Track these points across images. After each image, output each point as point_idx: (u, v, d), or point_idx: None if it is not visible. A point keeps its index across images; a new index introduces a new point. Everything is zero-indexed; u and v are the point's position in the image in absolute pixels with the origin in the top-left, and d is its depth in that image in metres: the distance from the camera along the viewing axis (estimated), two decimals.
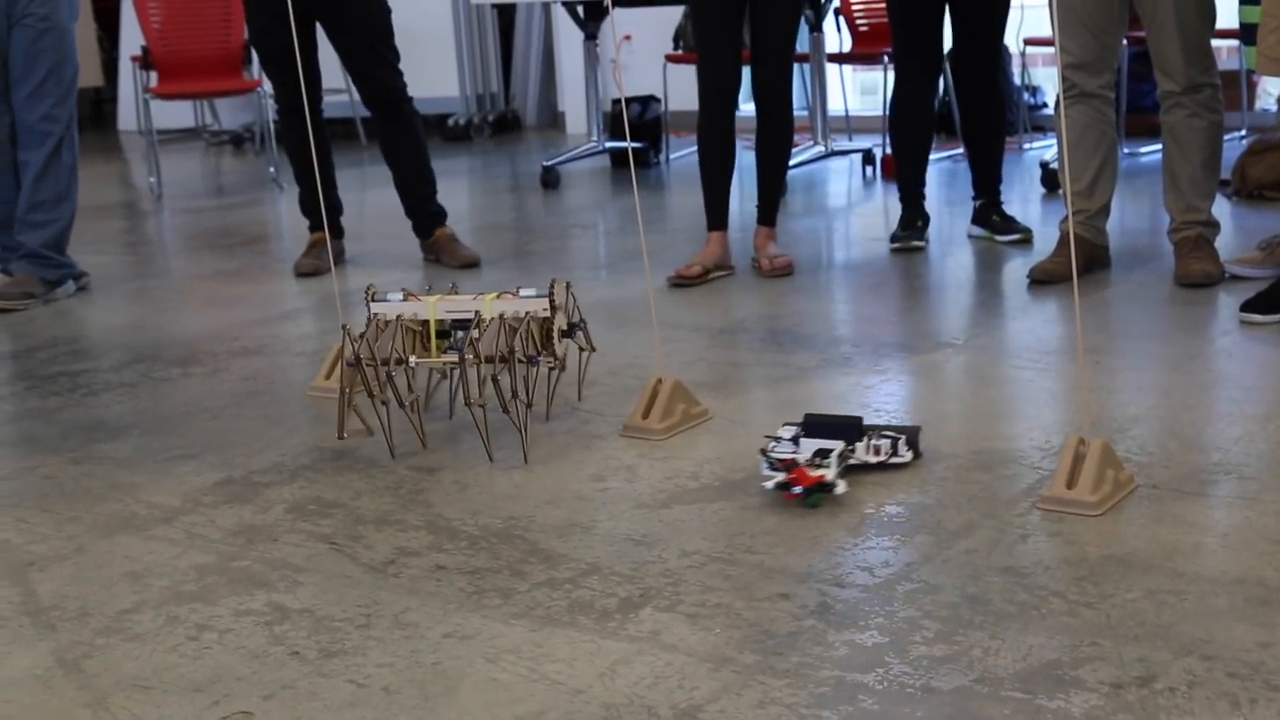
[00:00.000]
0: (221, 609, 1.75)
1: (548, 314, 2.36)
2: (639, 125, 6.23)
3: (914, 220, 4.03)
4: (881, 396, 2.56)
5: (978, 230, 4.05)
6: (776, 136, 3.76)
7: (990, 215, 4.02)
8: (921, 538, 1.86)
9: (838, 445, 2.08)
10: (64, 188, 3.87)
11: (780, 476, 2.01)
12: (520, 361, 2.27)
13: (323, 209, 3.34)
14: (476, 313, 2.33)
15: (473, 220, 4.94)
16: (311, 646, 1.63)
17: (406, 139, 4.07)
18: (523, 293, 2.38)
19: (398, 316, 2.37)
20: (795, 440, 2.13)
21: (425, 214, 4.17)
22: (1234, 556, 1.75)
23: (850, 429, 2.14)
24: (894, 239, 4.01)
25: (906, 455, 2.15)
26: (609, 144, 6.14)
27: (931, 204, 4.35)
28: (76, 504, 2.18)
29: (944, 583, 1.72)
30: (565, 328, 2.40)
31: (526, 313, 2.35)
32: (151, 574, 1.87)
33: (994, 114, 3.90)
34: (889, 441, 2.14)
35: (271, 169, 6.35)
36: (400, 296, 2.42)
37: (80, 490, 2.24)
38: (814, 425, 2.16)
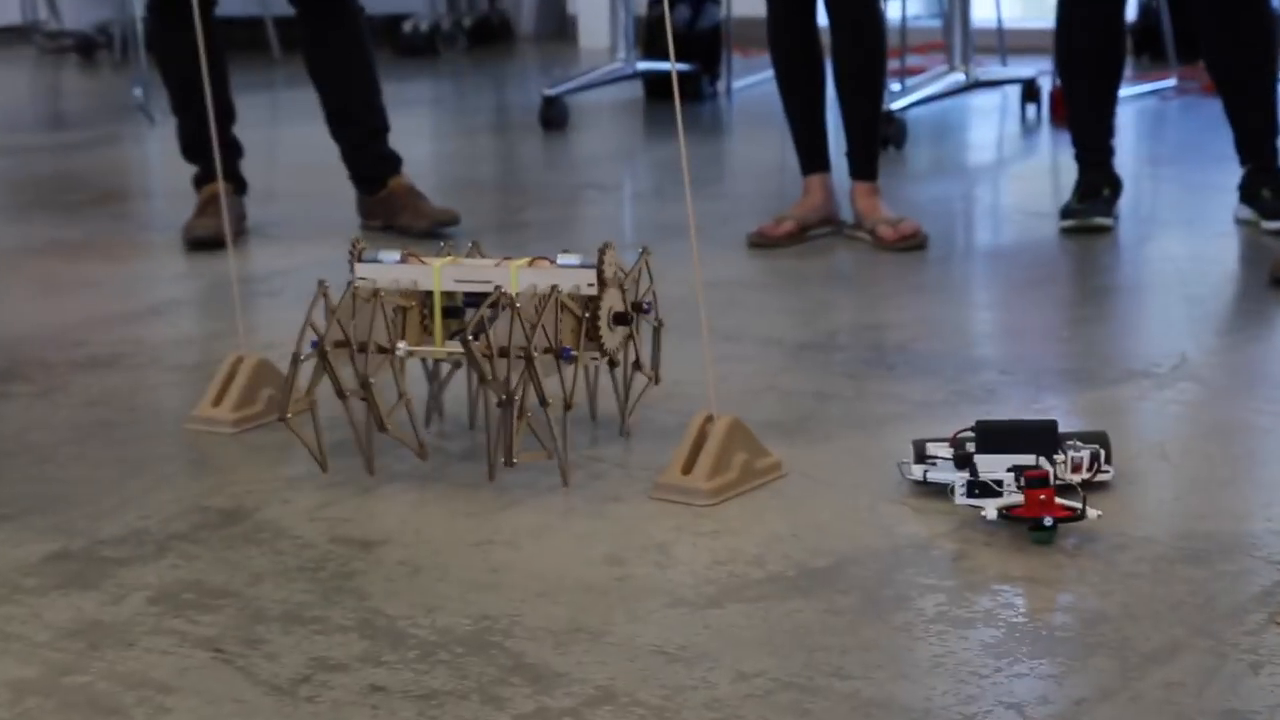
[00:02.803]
0: None
1: (593, 290, 2.48)
2: (688, 38, 6.24)
3: (1098, 188, 4.03)
4: None
5: (1245, 212, 3.98)
6: (859, 53, 3.90)
7: (1259, 189, 3.95)
8: (1100, 662, 1.86)
9: (1035, 460, 2.29)
10: None
11: (1004, 502, 2.21)
12: (541, 356, 2.38)
13: (216, 149, 3.34)
14: (497, 288, 2.44)
15: (438, 175, 4.98)
16: None
17: (347, 49, 4.10)
18: (561, 260, 2.50)
19: (375, 293, 2.48)
20: (963, 460, 2.33)
21: (373, 157, 4.20)
22: None
23: (1045, 436, 2.34)
24: (1067, 214, 4.01)
25: (1109, 471, 2.37)
26: (642, 65, 6.16)
27: (1123, 162, 4.34)
28: None
29: None
30: (623, 310, 2.52)
31: (553, 288, 2.44)
32: None
33: (1257, 36, 3.86)
34: (1088, 454, 2.33)
35: (137, 90, 6.39)
36: (398, 257, 2.55)
37: None
38: (993, 433, 2.34)
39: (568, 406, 2.44)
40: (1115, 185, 4.07)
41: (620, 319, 2.53)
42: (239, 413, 2.77)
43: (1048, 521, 2.17)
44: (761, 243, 3.95)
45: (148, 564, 2.23)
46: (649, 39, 6.35)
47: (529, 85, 6.78)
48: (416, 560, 2.22)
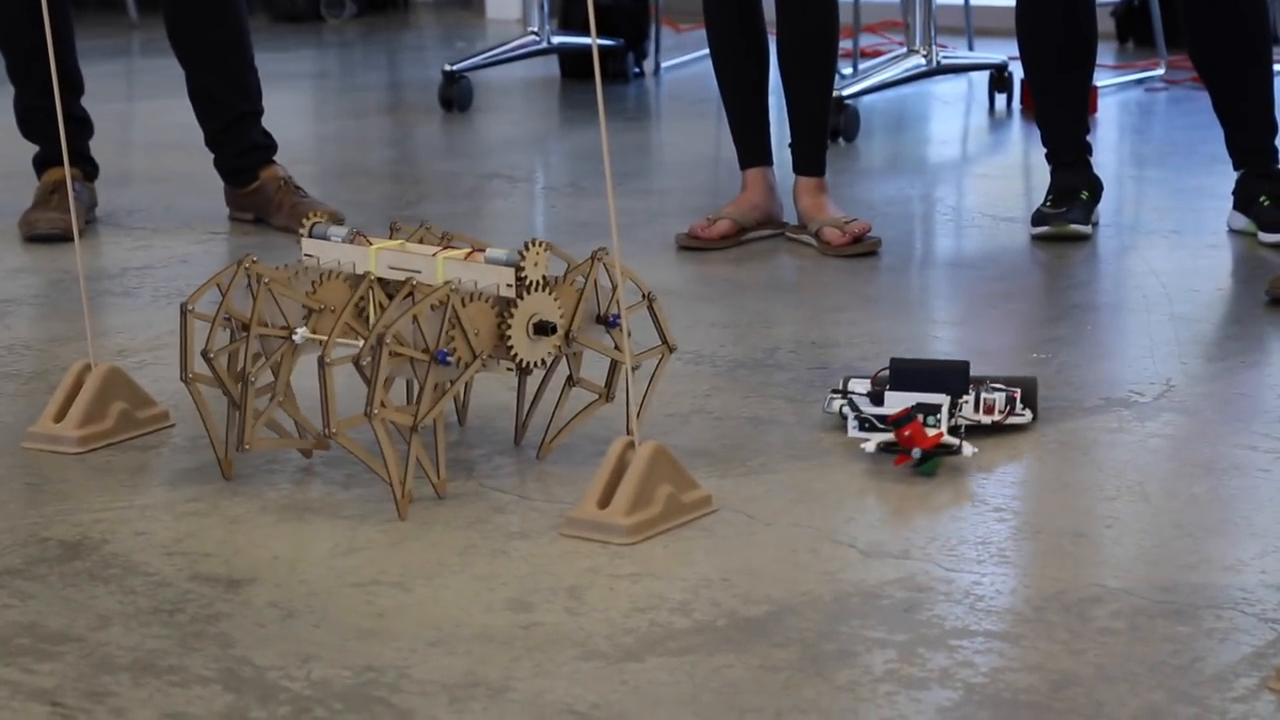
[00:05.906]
0: None
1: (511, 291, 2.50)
2: (612, 9, 6.24)
3: (1074, 190, 4.05)
4: (1003, 486, 2.59)
5: (1240, 221, 3.99)
6: (807, 31, 3.90)
7: (1257, 194, 3.95)
8: None
9: (944, 400, 2.64)
10: None
11: (883, 437, 2.58)
12: (407, 358, 2.41)
13: (61, 127, 3.31)
14: (408, 279, 2.53)
15: (320, 161, 4.95)
16: None
17: (213, 15, 4.08)
18: (489, 254, 2.53)
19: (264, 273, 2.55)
20: (877, 396, 2.68)
21: (243, 144, 4.18)
22: None
23: (955, 377, 2.69)
24: (1039, 220, 4.03)
25: (1025, 415, 2.72)
26: (558, 39, 6.16)
27: (1103, 162, 4.36)
28: None
29: None
30: (541, 321, 2.52)
31: (445, 284, 2.47)
32: None
33: (1249, 12, 3.89)
34: (1003, 395, 2.69)
35: None
36: (344, 235, 2.64)
37: None
38: (905, 373, 2.70)
39: (414, 426, 2.45)
40: (1094, 188, 4.08)
41: (543, 329, 2.52)
42: (85, 430, 2.74)
43: (916, 453, 2.52)
44: (692, 245, 3.95)
45: None
46: (566, 9, 6.34)
47: (427, 59, 6.76)
48: (290, 602, 2.20)
